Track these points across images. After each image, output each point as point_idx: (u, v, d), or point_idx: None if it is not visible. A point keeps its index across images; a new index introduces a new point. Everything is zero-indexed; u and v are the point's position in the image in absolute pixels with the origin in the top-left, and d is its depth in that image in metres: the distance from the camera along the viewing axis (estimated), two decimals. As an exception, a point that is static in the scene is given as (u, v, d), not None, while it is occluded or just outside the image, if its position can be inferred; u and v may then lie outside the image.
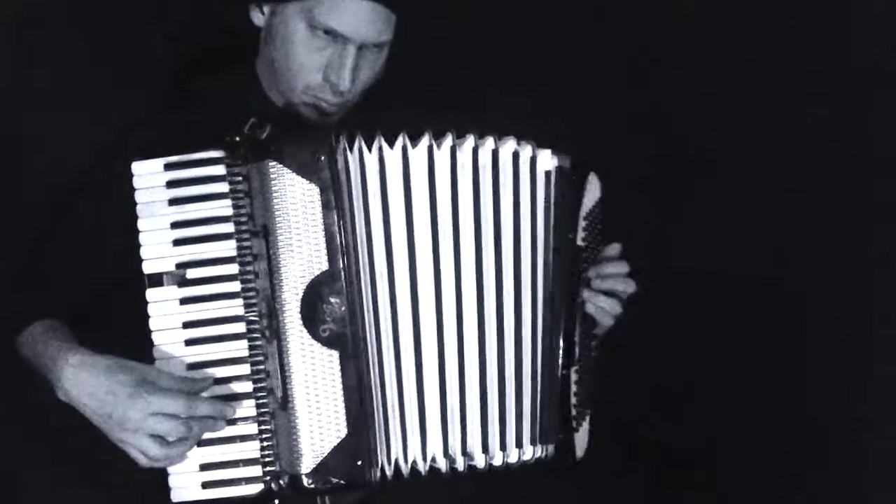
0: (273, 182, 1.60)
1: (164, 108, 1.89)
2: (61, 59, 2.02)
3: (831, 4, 2.17)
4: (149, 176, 1.65)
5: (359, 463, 1.60)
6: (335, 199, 1.60)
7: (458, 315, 1.68)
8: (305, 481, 1.60)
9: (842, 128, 2.16)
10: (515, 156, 1.72)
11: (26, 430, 1.92)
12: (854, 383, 2.06)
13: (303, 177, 1.60)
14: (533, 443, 1.73)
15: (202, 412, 1.57)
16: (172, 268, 1.64)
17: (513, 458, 1.73)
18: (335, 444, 1.60)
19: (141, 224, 1.64)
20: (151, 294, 1.64)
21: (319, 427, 1.60)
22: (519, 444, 1.73)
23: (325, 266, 1.60)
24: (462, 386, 1.69)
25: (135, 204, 1.64)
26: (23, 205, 1.96)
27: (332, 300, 1.60)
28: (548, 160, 1.75)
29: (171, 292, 1.64)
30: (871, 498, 2.06)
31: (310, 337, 1.60)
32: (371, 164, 1.65)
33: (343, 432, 1.60)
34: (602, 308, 1.77)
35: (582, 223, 1.78)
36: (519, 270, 1.73)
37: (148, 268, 1.64)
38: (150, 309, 1.63)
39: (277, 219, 1.61)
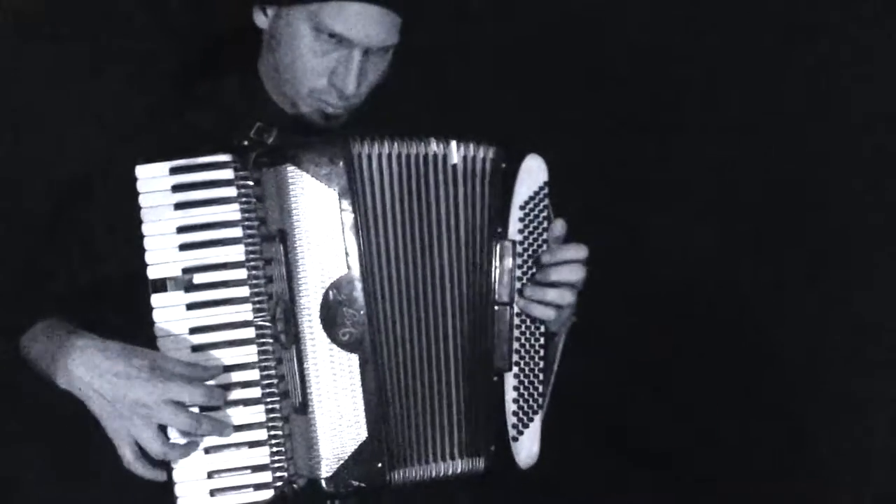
0: (291, 187, 1.60)
1: (166, 111, 1.85)
2: (63, 63, 1.97)
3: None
4: (154, 179, 1.62)
5: (379, 465, 1.61)
6: (353, 204, 1.61)
7: (396, 321, 1.66)
8: (325, 486, 1.59)
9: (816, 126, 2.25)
10: (425, 157, 1.66)
11: (27, 432, 1.83)
12: (832, 382, 2.18)
13: (321, 182, 1.61)
14: (458, 456, 1.68)
15: (219, 401, 1.56)
16: (178, 273, 1.62)
17: (433, 471, 1.67)
18: (355, 447, 1.60)
19: (146, 228, 1.61)
20: (156, 299, 1.60)
21: (340, 431, 1.60)
22: (443, 458, 1.68)
23: (344, 270, 1.61)
24: (398, 397, 1.66)
25: (138, 208, 1.60)
26: (25, 210, 1.88)
27: (352, 304, 1.61)
28: (454, 154, 1.68)
29: (177, 297, 1.61)
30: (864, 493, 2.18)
31: (330, 341, 1.60)
32: (386, 168, 1.66)
33: (363, 435, 1.61)
34: (545, 304, 1.69)
35: (518, 213, 1.71)
36: (438, 275, 1.68)
37: (152, 273, 1.61)
38: (155, 314, 1.60)
39: (295, 223, 1.60)
